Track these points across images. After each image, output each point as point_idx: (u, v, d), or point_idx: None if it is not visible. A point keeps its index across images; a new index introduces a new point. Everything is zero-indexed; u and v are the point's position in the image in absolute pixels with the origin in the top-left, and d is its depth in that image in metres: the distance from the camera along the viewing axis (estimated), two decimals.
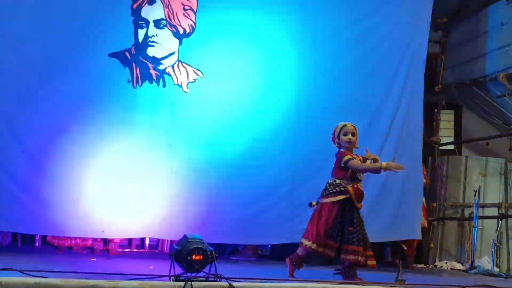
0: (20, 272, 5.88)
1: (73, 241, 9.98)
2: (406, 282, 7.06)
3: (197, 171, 9.61)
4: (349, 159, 7.40)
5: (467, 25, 12.17)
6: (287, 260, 7.63)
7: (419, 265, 11.44)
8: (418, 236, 10.51)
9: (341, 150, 7.58)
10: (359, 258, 7.30)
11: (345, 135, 7.56)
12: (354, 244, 7.30)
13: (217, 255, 6.25)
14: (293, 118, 9.89)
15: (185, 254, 6.06)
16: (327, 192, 7.52)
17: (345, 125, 7.63)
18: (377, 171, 7.56)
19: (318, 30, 10.13)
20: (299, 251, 7.54)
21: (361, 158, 7.63)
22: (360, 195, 7.48)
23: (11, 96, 9.03)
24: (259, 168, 9.78)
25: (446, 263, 11.41)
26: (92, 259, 9.19)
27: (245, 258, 10.54)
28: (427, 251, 11.90)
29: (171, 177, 9.52)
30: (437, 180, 12.22)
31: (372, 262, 7.44)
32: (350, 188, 7.41)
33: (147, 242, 11.15)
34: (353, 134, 7.60)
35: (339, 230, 7.34)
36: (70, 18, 9.24)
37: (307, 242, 7.42)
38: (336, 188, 7.47)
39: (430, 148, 12.23)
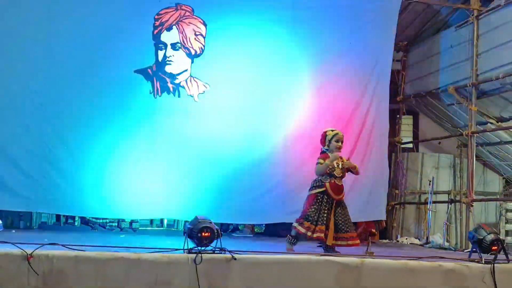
0: (63, 246, 5.84)
1: (105, 221, 9.95)
2: (374, 254, 7.01)
3: (206, 164, 9.59)
4: (317, 163, 7.39)
5: (423, 47, 12.13)
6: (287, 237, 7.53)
7: (384, 240, 11.42)
8: (384, 217, 10.51)
9: (324, 152, 7.49)
10: (322, 235, 7.22)
11: (337, 141, 7.45)
12: (323, 225, 7.25)
13: (221, 232, 6.22)
14: (285, 121, 9.83)
15: (196, 232, 6.03)
16: (310, 187, 7.51)
17: (337, 133, 7.50)
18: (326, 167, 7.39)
19: (306, 49, 10.09)
20: (292, 232, 7.42)
21: (344, 159, 7.55)
22: (337, 189, 7.35)
23: (55, 103, 9.01)
24: (257, 161, 9.75)
25: (406, 239, 11.37)
26: (121, 235, 9.14)
27: (244, 235, 10.50)
28: (391, 229, 11.86)
29: (185, 169, 9.49)
30: (399, 172, 12.19)
31: (354, 242, 7.38)
32: (327, 184, 7.32)
33: (165, 221, 11.10)
34: (342, 142, 7.53)
35: (316, 215, 7.25)
36: (104, 43, 9.24)
37: (297, 226, 7.34)
38: (316, 183, 7.43)
39: (393, 146, 12.22)
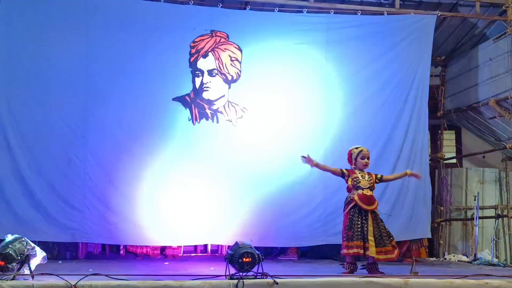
0: (106, 276, 5.91)
1: (149, 248, 10.03)
2: (419, 274, 6.91)
3: (248, 188, 9.64)
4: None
5: (461, 61, 12.00)
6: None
7: (431, 258, 11.24)
8: (428, 235, 10.37)
9: (350, 170, 7.66)
10: (359, 251, 7.24)
11: (362, 158, 7.60)
12: (358, 240, 7.26)
13: (263, 257, 6.22)
14: (321, 144, 9.82)
15: (237, 257, 6.04)
16: (344, 207, 7.59)
17: (362, 150, 7.66)
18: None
19: (341, 71, 10.09)
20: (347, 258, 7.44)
21: (373, 175, 7.63)
22: (366, 199, 7.42)
23: (97, 134, 9.22)
24: (296, 184, 9.72)
25: (453, 256, 11.17)
26: (165, 263, 9.20)
27: (289, 258, 10.44)
28: (438, 247, 11.67)
29: (227, 194, 9.55)
30: (443, 188, 12.03)
31: (390, 255, 7.36)
32: (355, 196, 7.40)
33: (209, 247, 11.11)
34: (368, 158, 7.66)
35: (351, 231, 7.30)
36: (143, 72, 9.45)
37: (343, 250, 7.41)
38: (346, 201, 7.56)
39: (436, 162, 12.09)
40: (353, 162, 7.66)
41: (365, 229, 7.30)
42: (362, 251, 7.27)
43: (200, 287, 5.81)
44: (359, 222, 7.33)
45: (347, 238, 7.31)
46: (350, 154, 7.71)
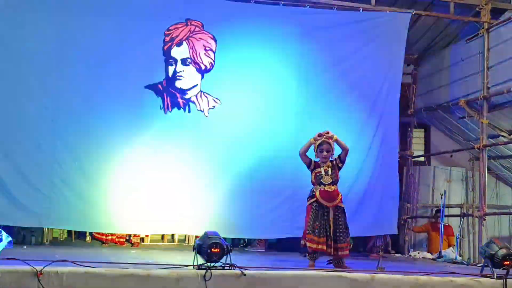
0: (73, 263, 5.85)
1: (116, 236, 9.98)
2: (385, 269, 6.97)
3: (217, 180, 9.61)
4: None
5: (433, 60, 12.12)
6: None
7: (397, 255, 11.35)
8: (395, 231, 10.46)
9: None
10: (323, 247, 7.29)
11: (321, 151, 7.56)
12: (322, 237, 7.31)
13: (232, 248, 6.22)
14: (293, 138, 9.77)
15: (205, 248, 6.03)
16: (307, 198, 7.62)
17: (321, 143, 7.58)
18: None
19: (315, 65, 10.12)
20: (306, 248, 7.47)
21: (335, 163, 7.61)
22: (328, 196, 7.43)
23: (66, 119, 9.11)
24: (265, 176, 9.73)
25: (418, 253, 11.28)
26: (132, 251, 9.15)
27: (257, 250, 10.47)
28: (403, 243, 11.79)
29: (196, 184, 9.53)
30: (411, 186, 12.15)
31: (342, 252, 7.38)
32: (317, 192, 7.43)
33: (176, 237, 11.11)
34: (328, 150, 7.57)
35: (313, 226, 7.34)
36: (115, 59, 9.35)
37: (304, 242, 7.46)
38: (309, 193, 7.58)
39: (405, 160, 12.19)
40: (316, 155, 7.63)
41: (327, 225, 7.34)
42: (325, 247, 7.31)
43: (168, 276, 5.79)
44: (323, 218, 7.36)
45: (312, 231, 7.32)
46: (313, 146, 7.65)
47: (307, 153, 7.65)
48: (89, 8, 9.27)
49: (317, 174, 7.52)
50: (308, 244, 7.36)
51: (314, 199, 7.43)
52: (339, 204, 7.52)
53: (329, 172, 7.51)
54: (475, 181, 12.12)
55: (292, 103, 9.96)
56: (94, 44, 9.27)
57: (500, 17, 10.45)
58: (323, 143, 7.55)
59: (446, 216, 11.09)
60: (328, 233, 7.31)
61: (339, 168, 7.65)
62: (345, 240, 7.45)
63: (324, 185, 7.46)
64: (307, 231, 7.39)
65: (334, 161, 7.63)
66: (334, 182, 7.53)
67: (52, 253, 7.23)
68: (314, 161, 7.65)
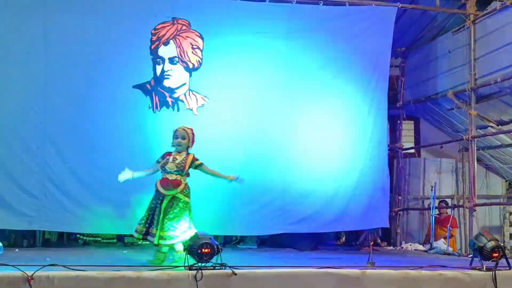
0: (64, 266, 5.88)
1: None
2: (376, 264, 7.02)
3: (206, 178, 9.53)
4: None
5: (421, 53, 12.18)
6: None
7: (389, 247, 11.42)
8: (386, 224, 10.51)
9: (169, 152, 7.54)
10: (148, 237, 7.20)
11: (176, 138, 7.49)
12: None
13: (222, 248, 6.26)
14: (282, 135, 9.87)
15: (196, 248, 6.08)
16: None
17: (176, 130, 7.54)
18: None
19: (302, 60, 10.10)
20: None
21: (189, 159, 7.48)
22: (167, 184, 7.30)
23: (55, 121, 9.07)
24: (256, 173, 9.67)
25: (410, 245, 11.37)
26: (123, 252, 9.17)
27: (249, 246, 10.51)
28: (395, 236, 11.86)
29: None
30: (401, 178, 12.22)
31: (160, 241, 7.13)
32: (158, 180, 7.35)
33: None
34: (183, 137, 7.48)
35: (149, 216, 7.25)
36: (102, 59, 9.30)
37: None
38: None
39: (395, 152, 12.26)
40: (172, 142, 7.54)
41: (156, 214, 7.20)
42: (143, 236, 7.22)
43: (159, 277, 5.84)
44: (153, 206, 7.26)
45: (144, 222, 7.26)
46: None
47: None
48: (75, 8, 9.22)
49: (165, 160, 7.41)
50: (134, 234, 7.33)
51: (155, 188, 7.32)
52: (179, 194, 7.31)
53: (178, 161, 7.38)
54: (465, 172, 12.19)
55: (280, 100, 9.94)
56: (81, 45, 9.22)
57: (485, 9, 10.48)
58: (178, 130, 7.49)
59: (437, 207, 11.17)
60: (153, 222, 7.18)
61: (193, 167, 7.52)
62: (169, 230, 7.16)
63: (167, 172, 7.33)
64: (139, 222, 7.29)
65: (192, 158, 7.51)
66: (180, 172, 7.35)
67: (43, 256, 7.26)
68: (165, 153, 7.55)
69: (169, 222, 7.14)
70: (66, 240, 10.08)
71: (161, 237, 7.10)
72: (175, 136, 7.48)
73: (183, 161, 7.41)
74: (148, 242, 7.42)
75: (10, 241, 9.16)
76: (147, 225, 7.23)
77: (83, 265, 5.99)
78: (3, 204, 8.77)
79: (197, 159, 7.57)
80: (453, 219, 11.13)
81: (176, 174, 7.34)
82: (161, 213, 7.19)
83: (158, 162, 7.52)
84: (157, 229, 7.13)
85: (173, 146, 7.54)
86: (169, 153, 7.50)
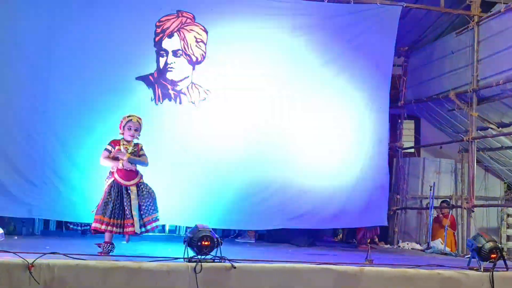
0: (64, 255, 5.90)
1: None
2: (373, 262, 7.06)
3: (207, 171, 9.63)
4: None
5: (424, 52, 12.19)
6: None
7: (386, 246, 11.46)
8: (385, 222, 10.54)
9: (115, 140, 7.38)
10: (118, 230, 7.06)
11: (129, 129, 7.33)
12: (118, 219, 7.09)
13: (222, 241, 6.28)
14: (283, 130, 9.91)
15: (196, 241, 6.11)
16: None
17: (131, 119, 7.35)
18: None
19: (306, 57, 10.14)
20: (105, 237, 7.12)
21: (139, 147, 7.43)
22: (126, 175, 7.21)
23: (57, 110, 9.10)
24: (256, 167, 9.77)
25: (407, 244, 11.41)
26: (123, 242, 9.17)
27: (247, 241, 10.54)
28: (393, 234, 11.90)
29: (186, 176, 9.53)
30: (400, 177, 12.25)
31: (127, 229, 7.08)
32: (114, 172, 7.22)
33: (167, 227, 11.16)
34: (137, 129, 7.38)
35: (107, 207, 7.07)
36: (105, 50, 9.32)
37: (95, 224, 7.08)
38: (108, 175, 7.34)
39: (395, 151, 12.29)
40: (121, 130, 7.38)
41: (126, 205, 7.11)
42: (119, 230, 7.09)
43: (158, 269, 5.87)
44: (118, 199, 7.13)
45: (102, 212, 7.04)
46: (121, 122, 7.40)
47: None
48: None
49: (117, 152, 7.27)
50: (98, 225, 7.05)
51: (112, 179, 7.21)
52: (139, 182, 7.33)
53: (129, 150, 7.30)
54: (464, 172, 12.22)
55: (282, 96, 9.98)
56: (85, 35, 9.26)
57: (490, 11, 10.50)
58: (133, 119, 7.33)
59: (435, 207, 11.20)
60: (124, 214, 7.10)
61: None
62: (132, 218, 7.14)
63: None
64: (100, 213, 7.08)
65: (139, 146, 7.44)
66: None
67: (43, 244, 7.28)
68: (112, 141, 7.40)
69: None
70: (65, 228, 10.09)
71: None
72: (130, 127, 7.30)
73: (135, 151, 7.35)
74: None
75: (10, 229, 9.17)
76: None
77: (84, 254, 6.02)
78: (3, 191, 8.78)
79: (142, 150, 7.47)
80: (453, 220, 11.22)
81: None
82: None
83: (108, 151, 7.33)
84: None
85: (123, 134, 7.38)
86: (117, 141, 7.36)
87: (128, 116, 7.38)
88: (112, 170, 7.26)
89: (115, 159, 7.26)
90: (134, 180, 7.27)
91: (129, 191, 7.19)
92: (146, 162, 7.45)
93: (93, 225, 7.04)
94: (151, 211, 7.32)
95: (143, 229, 7.20)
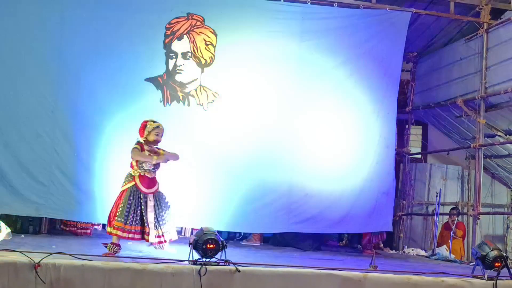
0: (70, 255, 5.94)
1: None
2: (378, 268, 7.07)
3: (214, 173, 9.65)
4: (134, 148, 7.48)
5: (432, 58, 12.20)
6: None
7: (391, 251, 11.45)
8: (390, 228, 10.54)
9: (139, 142, 7.58)
10: (135, 236, 7.26)
11: (157, 135, 7.59)
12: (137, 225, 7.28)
13: (227, 244, 6.31)
14: (291, 133, 9.92)
15: (201, 244, 6.14)
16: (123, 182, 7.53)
17: (158, 126, 7.66)
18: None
19: (314, 61, 10.14)
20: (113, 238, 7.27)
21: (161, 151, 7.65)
22: (148, 182, 7.43)
23: (66, 110, 9.13)
24: (262, 171, 9.77)
25: (412, 250, 11.42)
26: (128, 243, 9.20)
27: (252, 244, 10.55)
28: (398, 240, 11.90)
29: (192, 178, 9.53)
30: (407, 183, 12.25)
31: (147, 237, 7.30)
32: (136, 179, 7.39)
33: None
34: (161, 136, 7.66)
35: (127, 213, 7.23)
36: (115, 51, 9.35)
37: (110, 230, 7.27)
38: (126, 178, 7.51)
39: (402, 157, 12.29)
40: (146, 134, 7.58)
41: (143, 213, 7.28)
42: (140, 236, 7.31)
43: (163, 270, 5.90)
44: (138, 205, 7.31)
45: (123, 220, 7.20)
46: (144, 126, 7.61)
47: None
48: (90, 1, 9.30)
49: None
50: (114, 231, 7.23)
51: (132, 183, 7.39)
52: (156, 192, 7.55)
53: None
54: (471, 179, 12.22)
55: (290, 100, 9.99)
56: (95, 36, 9.28)
57: (499, 18, 10.50)
58: (160, 126, 7.64)
59: (441, 214, 11.20)
60: (143, 220, 7.29)
61: None
62: (161, 228, 7.42)
63: (145, 170, 7.49)
64: (118, 219, 7.24)
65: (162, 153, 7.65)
66: (156, 169, 7.62)
67: (49, 244, 7.32)
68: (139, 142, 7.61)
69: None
70: (62, 229, 10.11)
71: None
72: (158, 133, 7.60)
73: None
74: None
75: (17, 227, 9.19)
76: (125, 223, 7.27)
77: (89, 254, 6.06)
78: (11, 190, 8.82)
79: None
80: (462, 225, 11.23)
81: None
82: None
83: (138, 149, 7.52)
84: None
85: (146, 138, 7.60)
86: (141, 145, 7.56)
87: (154, 122, 7.67)
88: (133, 174, 7.37)
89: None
90: (154, 188, 7.50)
91: (147, 199, 7.29)
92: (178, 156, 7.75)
93: (114, 231, 7.16)
94: (167, 221, 7.50)
95: (160, 239, 7.38)
